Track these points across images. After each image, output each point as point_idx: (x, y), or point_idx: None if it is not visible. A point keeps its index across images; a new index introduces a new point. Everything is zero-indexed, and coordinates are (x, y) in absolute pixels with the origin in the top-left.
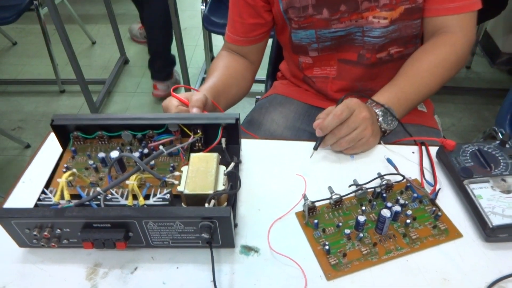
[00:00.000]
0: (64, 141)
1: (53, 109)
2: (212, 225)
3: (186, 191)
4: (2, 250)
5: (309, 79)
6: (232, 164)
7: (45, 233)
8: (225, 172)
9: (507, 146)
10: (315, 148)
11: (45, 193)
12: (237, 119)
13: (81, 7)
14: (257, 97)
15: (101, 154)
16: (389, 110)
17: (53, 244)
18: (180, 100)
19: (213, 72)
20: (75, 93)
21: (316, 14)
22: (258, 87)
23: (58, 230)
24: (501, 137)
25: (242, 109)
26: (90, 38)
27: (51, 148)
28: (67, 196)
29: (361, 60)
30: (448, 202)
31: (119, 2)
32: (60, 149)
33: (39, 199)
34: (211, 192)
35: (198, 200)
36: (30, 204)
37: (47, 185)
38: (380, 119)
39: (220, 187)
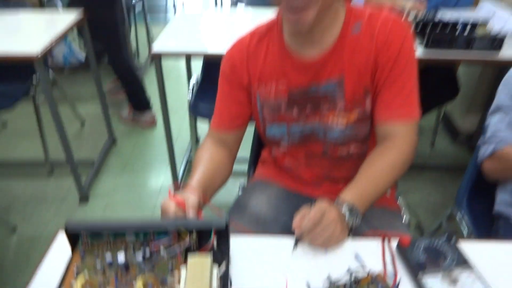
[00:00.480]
0: (73, 243)
1: (41, 191)
2: None
3: None
4: None
5: (284, 167)
6: (224, 268)
7: None
8: (218, 275)
9: (452, 241)
10: (295, 247)
11: None
12: (227, 225)
13: (70, 88)
14: (241, 181)
15: (109, 259)
16: (354, 207)
17: None
18: (177, 202)
19: (199, 164)
20: (63, 174)
21: (288, 112)
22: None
23: None
24: (459, 220)
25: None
26: (80, 119)
27: (60, 248)
28: None
29: (325, 154)
30: None
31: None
32: (69, 250)
33: None
34: None
35: None
36: None
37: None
38: (346, 218)
39: (214, 287)
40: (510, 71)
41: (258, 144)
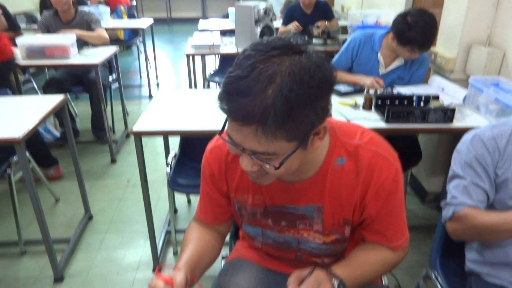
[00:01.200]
0: None
1: (12, 272)
2: None
3: None
4: None
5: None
6: None
7: None
8: None
9: None
10: None
11: None
12: None
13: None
14: (222, 256)
15: None
16: (343, 283)
17: None
18: (165, 281)
19: (188, 244)
20: (37, 254)
21: (263, 220)
22: None
23: None
24: (434, 279)
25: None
26: (54, 196)
27: None
28: None
29: (299, 259)
30: None
31: (83, 159)
32: None
33: None
34: None
35: None
36: None
37: None
38: None
39: None
40: (458, 145)
41: None
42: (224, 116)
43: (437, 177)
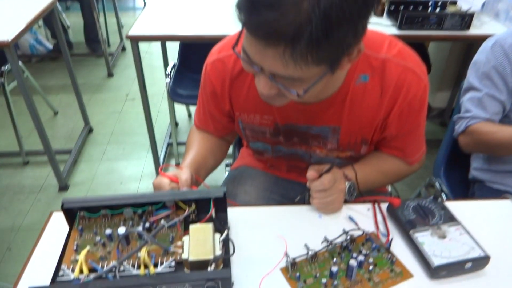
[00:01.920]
0: (70, 220)
1: (17, 181)
2: (216, 285)
3: (191, 258)
4: None
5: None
6: (226, 232)
7: None
8: (220, 239)
9: (439, 200)
10: (300, 197)
11: (63, 270)
12: (225, 193)
13: (40, 78)
14: (226, 162)
15: (108, 231)
16: (354, 187)
17: None
18: (170, 178)
19: (191, 146)
20: (40, 164)
21: (273, 138)
22: None
23: None
24: (438, 186)
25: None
26: (52, 109)
27: (56, 227)
28: (86, 270)
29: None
30: (399, 249)
31: (80, 72)
32: (65, 228)
33: (57, 276)
34: (211, 257)
35: (200, 264)
36: (45, 281)
37: (59, 262)
38: (345, 190)
39: (218, 252)
40: (476, 55)
41: None
42: (235, 22)
43: (443, 93)
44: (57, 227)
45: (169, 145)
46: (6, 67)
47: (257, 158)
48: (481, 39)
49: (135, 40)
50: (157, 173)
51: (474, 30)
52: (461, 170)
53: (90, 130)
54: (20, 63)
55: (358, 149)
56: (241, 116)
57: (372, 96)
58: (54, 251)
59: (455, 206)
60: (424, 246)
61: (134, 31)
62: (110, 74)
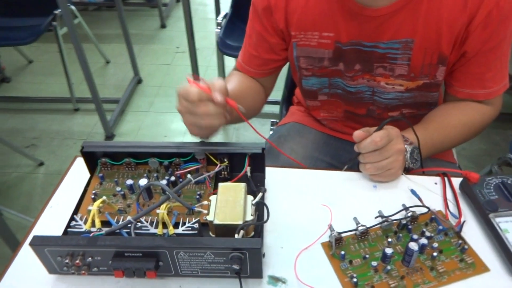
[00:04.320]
0: (91, 167)
1: (67, 126)
2: (242, 256)
3: (216, 221)
4: (32, 277)
5: (319, 121)
6: (260, 194)
7: (77, 261)
8: (253, 203)
9: None
10: (349, 163)
11: (75, 220)
12: (263, 149)
13: (95, 26)
14: (271, 120)
15: (129, 181)
16: (417, 151)
17: (83, 272)
18: (200, 87)
19: (228, 81)
20: (89, 112)
21: (332, 66)
22: (271, 108)
23: (90, 258)
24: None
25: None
26: (104, 57)
27: (78, 173)
28: (98, 224)
29: (371, 114)
30: (473, 235)
31: (133, 22)
32: (87, 175)
33: (69, 226)
34: (240, 222)
35: (227, 230)
36: (59, 230)
37: (75, 211)
38: (407, 156)
39: (249, 217)
40: None
41: (292, 81)
42: None
43: None
44: (80, 173)
45: None
46: (59, 10)
47: (309, 109)
48: None
49: None
50: None
51: None
52: None
53: (139, 81)
54: (74, 8)
55: (433, 73)
56: (297, 37)
57: None
58: (73, 199)
59: None
60: (508, 235)
61: None
62: (163, 26)
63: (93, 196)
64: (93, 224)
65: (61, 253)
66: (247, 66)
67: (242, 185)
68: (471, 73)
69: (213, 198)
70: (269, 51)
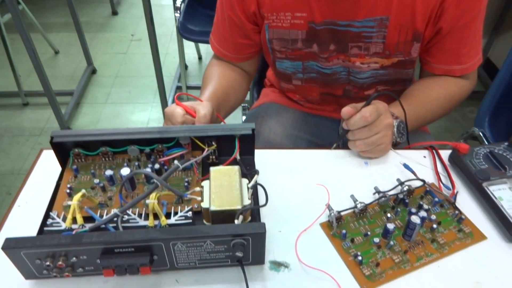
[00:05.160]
0: (63, 159)
1: (16, 122)
2: (245, 243)
3: (213, 208)
4: (6, 285)
5: (295, 102)
6: (256, 177)
7: (59, 263)
8: (249, 186)
9: None
10: (339, 142)
11: (52, 218)
12: (253, 129)
13: (40, 15)
14: (243, 105)
15: (109, 172)
16: (403, 125)
17: (67, 274)
18: (186, 109)
19: (209, 81)
20: (40, 106)
21: (305, 48)
22: None
23: (74, 258)
24: (482, 137)
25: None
26: (53, 48)
27: (46, 167)
28: (80, 220)
29: (348, 94)
30: (467, 204)
31: (82, 10)
32: (57, 168)
33: (45, 225)
34: (239, 207)
35: (225, 216)
36: (31, 231)
37: (49, 208)
38: (394, 130)
39: (246, 201)
40: None
41: (263, 64)
42: None
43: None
44: (49, 167)
45: (178, 88)
46: None
47: (284, 91)
48: None
49: None
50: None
51: None
52: (507, 122)
53: (94, 71)
54: None
55: (408, 50)
56: (269, 19)
57: None
58: (44, 196)
59: None
60: (503, 202)
61: None
62: (114, 13)
63: (68, 191)
64: (74, 221)
65: (40, 255)
66: (223, 50)
67: (236, 168)
68: (446, 49)
69: (205, 184)
70: (243, 37)
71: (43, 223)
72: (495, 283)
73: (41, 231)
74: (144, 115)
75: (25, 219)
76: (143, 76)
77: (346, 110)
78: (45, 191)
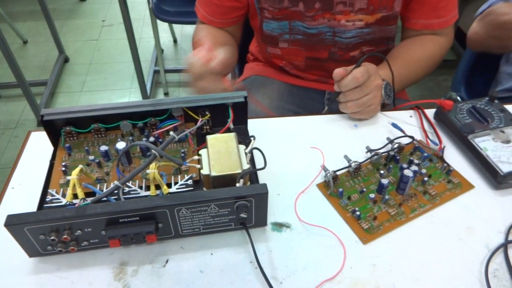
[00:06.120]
0: (54, 138)
1: None
2: (248, 204)
3: (214, 173)
4: (9, 264)
5: (280, 67)
6: (252, 142)
7: (64, 236)
8: (246, 151)
9: (496, 101)
10: (329, 104)
11: (51, 195)
12: (246, 97)
13: (4, 4)
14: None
15: (104, 147)
16: (389, 86)
17: (72, 247)
18: (203, 59)
19: (202, 40)
20: (13, 98)
21: (292, 6)
22: None
23: (79, 231)
24: (459, 100)
25: None
26: (20, 37)
27: (36, 148)
28: (81, 194)
29: (333, 56)
30: (454, 157)
31: None
32: (48, 148)
33: (45, 202)
34: (239, 171)
35: (226, 181)
36: (30, 209)
37: (46, 187)
38: (382, 91)
39: (246, 166)
40: None
41: (244, 39)
42: None
43: None
44: (39, 149)
45: (156, 72)
46: None
47: (270, 57)
48: None
49: None
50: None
51: None
52: (485, 83)
53: (66, 60)
54: None
55: (391, 4)
56: None
57: None
58: (37, 177)
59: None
60: (488, 152)
61: None
62: None
63: (63, 169)
64: (74, 196)
65: (44, 230)
66: (210, 17)
67: (232, 134)
68: (426, 3)
69: (203, 152)
70: None
71: (42, 201)
72: (485, 227)
73: (40, 208)
74: (122, 101)
75: (21, 201)
76: (118, 62)
77: (338, 71)
78: (39, 171)
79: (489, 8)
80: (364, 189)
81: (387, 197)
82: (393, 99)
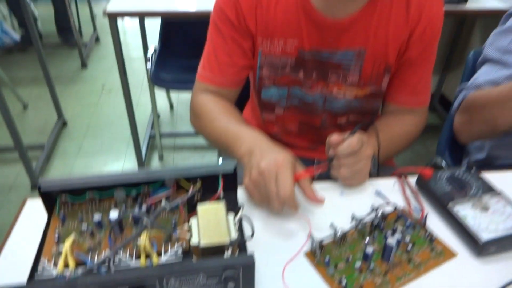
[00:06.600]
0: (49, 207)
1: None
2: (236, 274)
3: (203, 243)
4: None
5: (272, 136)
6: (241, 211)
7: None
8: (235, 220)
9: (473, 171)
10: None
11: (43, 264)
12: (235, 168)
13: (7, 70)
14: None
15: (97, 217)
16: (375, 156)
17: None
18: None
19: (229, 121)
20: (9, 161)
21: (293, 74)
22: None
23: None
24: (443, 164)
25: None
26: (21, 101)
27: (31, 218)
28: (72, 264)
29: (324, 124)
30: (436, 225)
31: (51, 63)
32: (42, 217)
33: (36, 272)
34: (228, 240)
35: (215, 250)
36: (20, 280)
37: (37, 256)
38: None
39: (234, 235)
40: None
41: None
42: None
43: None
44: (34, 217)
45: (151, 137)
46: None
47: (263, 122)
48: (480, 14)
49: (114, 18)
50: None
51: (472, 4)
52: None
53: (64, 124)
54: None
55: (380, 80)
56: (263, 45)
57: (399, 11)
58: (31, 245)
59: (489, 178)
60: (467, 220)
61: (112, 7)
62: (84, 65)
63: (56, 239)
64: (65, 266)
65: None
66: (220, 77)
67: (222, 204)
68: (406, 83)
69: (193, 221)
70: (243, 56)
71: (33, 270)
72: None
73: (31, 277)
74: (117, 166)
75: (11, 271)
76: (115, 127)
77: (334, 138)
78: (31, 241)
79: (464, 100)
80: (350, 258)
81: (372, 265)
82: (377, 169)
